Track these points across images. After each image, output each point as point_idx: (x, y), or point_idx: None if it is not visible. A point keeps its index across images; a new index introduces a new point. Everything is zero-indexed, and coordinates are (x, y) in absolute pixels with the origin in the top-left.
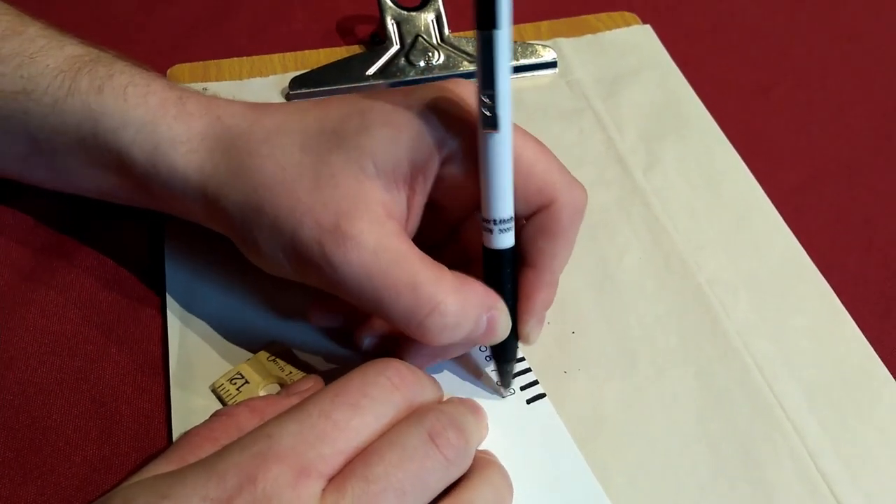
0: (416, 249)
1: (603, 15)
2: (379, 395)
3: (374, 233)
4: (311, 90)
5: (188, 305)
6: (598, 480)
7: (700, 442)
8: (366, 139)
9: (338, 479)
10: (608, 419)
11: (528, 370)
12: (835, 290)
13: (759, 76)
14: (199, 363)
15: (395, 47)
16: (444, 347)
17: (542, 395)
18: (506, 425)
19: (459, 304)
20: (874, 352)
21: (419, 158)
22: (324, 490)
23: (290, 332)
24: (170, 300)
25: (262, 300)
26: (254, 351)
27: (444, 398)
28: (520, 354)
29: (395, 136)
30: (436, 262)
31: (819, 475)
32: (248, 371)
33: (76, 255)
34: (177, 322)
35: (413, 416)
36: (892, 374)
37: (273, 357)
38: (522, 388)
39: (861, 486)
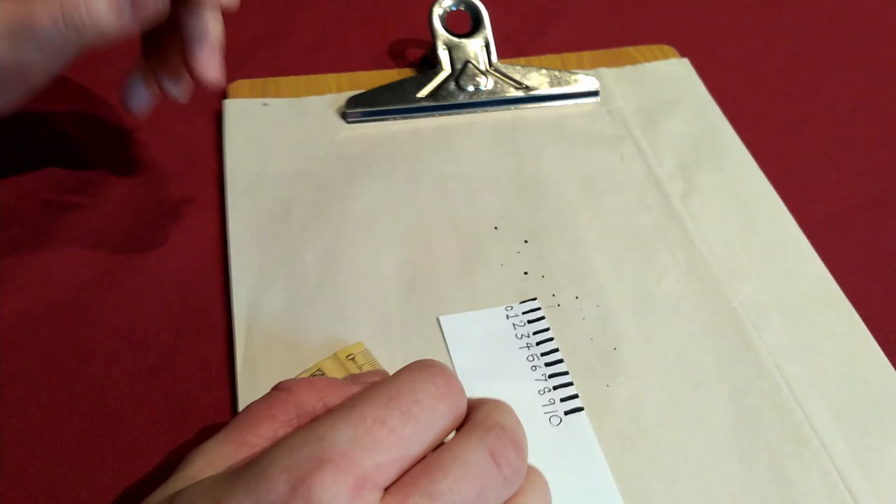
0: None
1: (643, 47)
2: (428, 402)
3: None
4: (366, 109)
5: (253, 305)
6: (636, 489)
7: (732, 455)
8: None
9: (397, 491)
10: (646, 431)
11: (570, 384)
12: (862, 317)
13: (792, 109)
14: (263, 361)
15: (446, 72)
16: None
17: (579, 409)
18: (541, 434)
19: None
20: None
21: None
22: (381, 501)
23: (354, 333)
24: (236, 299)
25: (326, 301)
26: (317, 350)
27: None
28: (563, 368)
29: None
30: None
31: (846, 490)
32: (328, 367)
33: (146, 257)
34: (243, 321)
35: (473, 430)
36: None
37: (352, 356)
38: (562, 400)
39: (885, 500)
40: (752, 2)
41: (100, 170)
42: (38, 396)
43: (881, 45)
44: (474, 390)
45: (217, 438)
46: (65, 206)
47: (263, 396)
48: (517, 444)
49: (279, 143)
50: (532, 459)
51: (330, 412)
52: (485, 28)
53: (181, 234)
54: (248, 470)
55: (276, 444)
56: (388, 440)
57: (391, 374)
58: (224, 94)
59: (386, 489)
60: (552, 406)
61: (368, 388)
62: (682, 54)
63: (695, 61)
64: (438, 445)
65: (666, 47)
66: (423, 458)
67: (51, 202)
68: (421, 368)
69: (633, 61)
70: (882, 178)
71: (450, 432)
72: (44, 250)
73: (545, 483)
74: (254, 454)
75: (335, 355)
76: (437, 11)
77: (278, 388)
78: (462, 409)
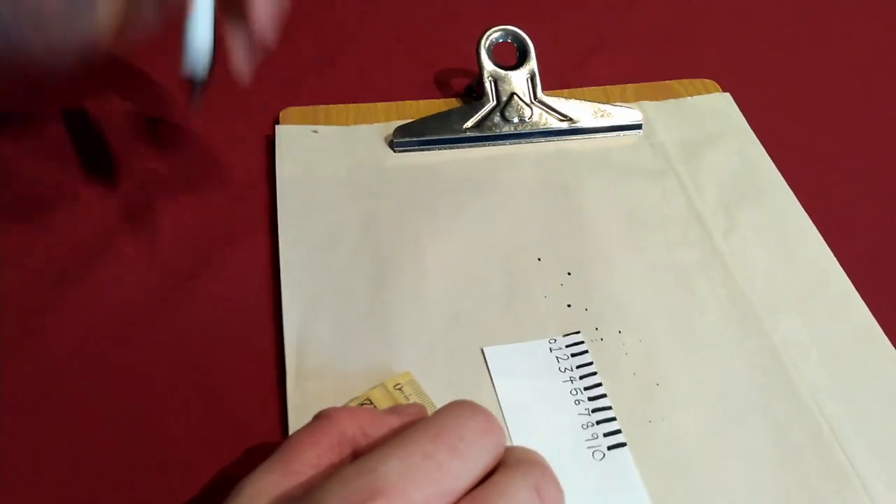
0: None
1: (685, 81)
2: (472, 439)
3: None
4: (413, 139)
5: (303, 330)
6: None
7: (773, 492)
8: None
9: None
10: (688, 468)
11: (613, 419)
12: None
13: (834, 145)
14: (313, 387)
15: (492, 103)
16: None
17: (622, 444)
18: (585, 468)
19: None
20: None
21: None
22: None
23: (400, 361)
24: (286, 324)
25: (374, 328)
26: (366, 376)
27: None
28: (606, 403)
29: None
30: None
31: None
32: (376, 396)
33: (199, 279)
34: (293, 346)
35: (517, 466)
36: None
37: (399, 385)
38: (605, 435)
39: None
40: (795, 37)
41: (154, 193)
42: (89, 416)
43: None
44: (518, 422)
45: (264, 468)
46: (120, 229)
47: (306, 425)
48: (557, 482)
49: (328, 170)
50: (576, 493)
51: (380, 447)
52: (531, 61)
53: (233, 258)
54: (303, 501)
55: (330, 478)
56: (435, 474)
57: (435, 404)
58: (276, 120)
59: None
60: (595, 441)
61: (416, 423)
62: (724, 89)
63: (737, 95)
64: (480, 481)
65: (708, 81)
66: (468, 492)
67: (106, 225)
68: (464, 406)
69: (675, 95)
70: None
71: (491, 468)
72: (99, 272)
73: None
74: (300, 482)
75: (383, 385)
76: (485, 43)
77: (320, 417)
78: (502, 446)
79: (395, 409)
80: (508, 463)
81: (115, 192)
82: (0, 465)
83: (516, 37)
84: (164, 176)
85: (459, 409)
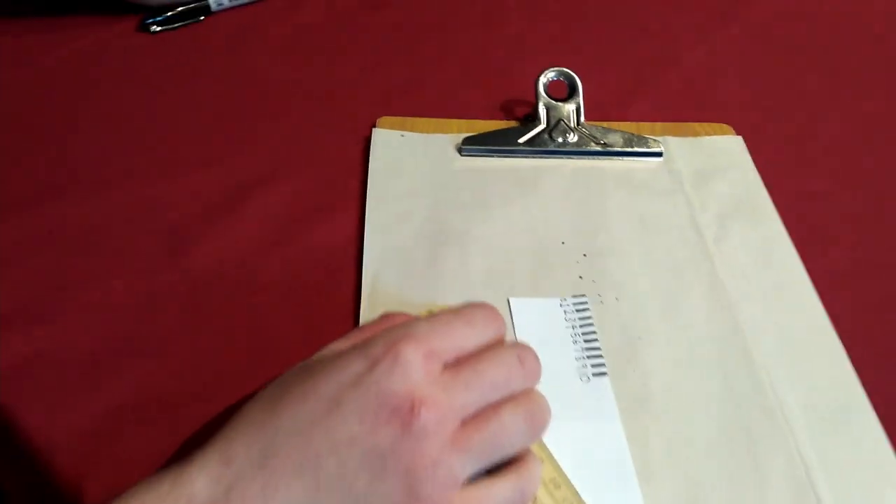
0: None
1: (705, 124)
2: (482, 321)
3: None
4: (477, 147)
5: (376, 279)
6: (639, 438)
7: (716, 424)
8: None
9: (453, 366)
10: (653, 398)
11: (600, 355)
12: (838, 332)
13: (823, 183)
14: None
15: (542, 126)
16: None
17: (604, 374)
18: (574, 387)
19: None
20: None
21: None
22: (441, 371)
23: (446, 303)
24: (364, 272)
25: (427, 284)
26: (419, 308)
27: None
28: (597, 346)
29: None
30: None
31: (801, 463)
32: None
33: (305, 238)
34: (367, 287)
35: (508, 343)
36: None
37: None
38: (592, 366)
39: (834, 473)
40: (803, 91)
41: (279, 170)
42: (219, 318)
43: None
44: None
45: (337, 340)
46: (247, 194)
47: (372, 320)
48: (535, 355)
49: (409, 165)
50: (566, 406)
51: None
52: (578, 96)
53: (332, 222)
54: (359, 344)
55: (380, 333)
56: (451, 334)
57: None
58: (373, 125)
59: (445, 366)
60: (584, 369)
61: (451, 308)
62: (738, 132)
63: (748, 138)
64: None
65: (724, 126)
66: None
67: (239, 185)
68: (478, 303)
69: (695, 134)
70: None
71: (493, 343)
72: (232, 223)
73: (546, 400)
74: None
75: (429, 310)
76: (542, 80)
77: (383, 316)
78: (503, 332)
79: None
80: (503, 341)
81: (246, 165)
82: (163, 353)
83: (568, 76)
84: (287, 157)
85: (477, 304)
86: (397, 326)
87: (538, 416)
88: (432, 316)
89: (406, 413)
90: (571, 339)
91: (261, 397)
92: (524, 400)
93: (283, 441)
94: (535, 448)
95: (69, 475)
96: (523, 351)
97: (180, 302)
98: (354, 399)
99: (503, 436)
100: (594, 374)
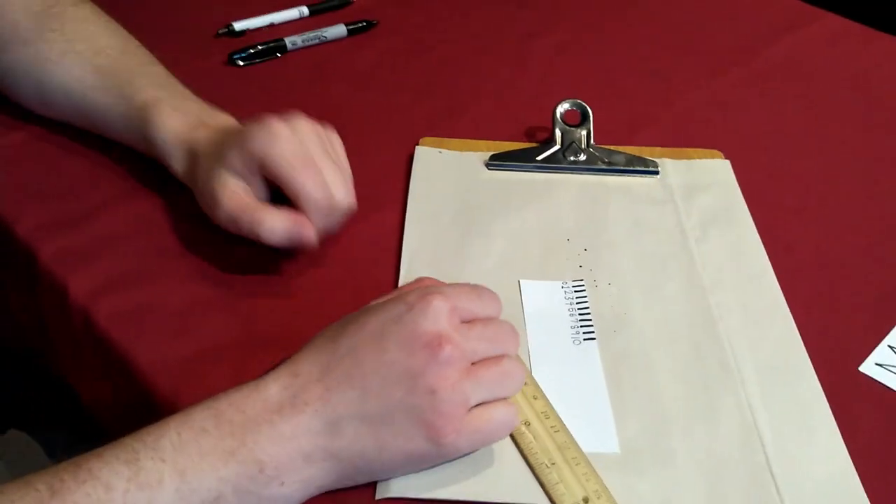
0: (252, 198)
1: (699, 149)
2: (489, 299)
3: (228, 197)
4: (502, 163)
5: (411, 266)
6: (620, 391)
7: (683, 381)
8: (226, 155)
9: (467, 322)
10: (633, 359)
11: (590, 323)
12: (798, 323)
13: (795, 200)
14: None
15: (557, 147)
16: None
17: (593, 339)
18: (568, 349)
19: (273, 221)
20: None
21: (246, 164)
22: (460, 323)
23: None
24: (403, 260)
25: (455, 271)
26: None
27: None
28: (589, 317)
29: (237, 154)
30: (265, 204)
31: (748, 408)
32: None
33: (358, 226)
34: (404, 273)
35: (504, 320)
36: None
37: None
38: (584, 332)
39: (776, 416)
40: (788, 128)
41: None
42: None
43: (875, 159)
44: (534, 321)
45: (379, 297)
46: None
47: (408, 283)
48: (516, 331)
49: (445, 175)
50: (561, 364)
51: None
52: (588, 122)
53: (379, 220)
54: (400, 294)
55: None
56: (469, 300)
57: None
58: (417, 143)
59: (462, 321)
60: (577, 334)
61: (466, 284)
62: (727, 157)
63: (735, 161)
64: None
65: (715, 151)
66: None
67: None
68: (484, 287)
69: (688, 157)
70: (866, 257)
71: (493, 316)
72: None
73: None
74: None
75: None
76: (559, 109)
77: (418, 279)
78: (500, 310)
79: None
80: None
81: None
82: (238, 310)
83: (580, 106)
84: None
85: (483, 286)
86: (429, 285)
87: (522, 371)
88: (455, 284)
89: (435, 346)
90: (569, 312)
91: (323, 333)
92: (515, 358)
93: (339, 361)
94: (532, 388)
95: (167, 394)
96: (513, 326)
97: (256, 269)
98: (395, 332)
99: (503, 378)
100: (585, 339)
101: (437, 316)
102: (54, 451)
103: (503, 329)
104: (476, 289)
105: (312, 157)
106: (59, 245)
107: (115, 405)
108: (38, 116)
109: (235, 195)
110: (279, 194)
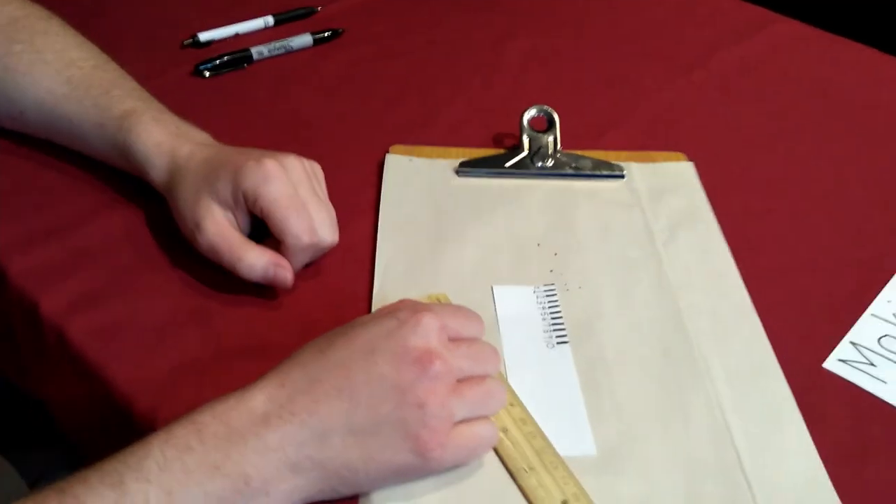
0: (236, 232)
1: (663, 152)
2: (472, 318)
3: (212, 225)
4: (472, 169)
5: (385, 273)
6: (594, 395)
7: (656, 381)
8: (216, 184)
9: (455, 340)
10: (604, 361)
11: (562, 327)
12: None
13: (757, 201)
14: (389, 298)
15: (526, 152)
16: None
17: (566, 342)
18: (541, 352)
19: (253, 258)
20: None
21: (235, 198)
22: (447, 341)
23: (442, 290)
24: (377, 270)
25: (427, 278)
26: (420, 296)
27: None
28: (561, 321)
29: (228, 188)
30: (246, 239)
31: (720, 410)
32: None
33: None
34: (378, 282)
35: (486, 341)
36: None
37: (438, 298)
38: (557, 336)
39: (744, 410)
40: (749, 128)
41: None
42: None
43: (840, 161)
44: (507, 325)
45: (365, 316)
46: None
47: (391, 304)
48: (499, 357)
49: (416, 183)
50: (535, 367)
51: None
52: (555, 128)
53: (352, 227)
54: (389, 311)
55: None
56: (456, 320)
57: None
58: (387, 151)
59: (449, 339)
60: (550, 339)
61: (444, 297)
62: (690, 158)
63: (698, 163)
64: None
65: (679, 154)
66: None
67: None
68: (469, 308)
69: (653, 160)
70: (829, 260)
71: (477, 336)
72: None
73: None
74: None
75: (429, 296)
76: (526, 115)
77: (398, 301)
78: (483, 331)
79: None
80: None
81: None
82: (214, 323)
83: (547, 112)
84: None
85: (467, 308)
86: (417, 303)
87: (503, 393)
88: (443, 304)
89: (425, 361)
90: (541, 316)
91: (310, 345)
92: (497, 379)
93: (328, 372)
94: (509, 395)
95: (145, 411)
96: (495, 348)
97: (230, 282)
98: (386, 347)
99: (486, 397)
100: (558, 343)
101: (428, 332)
102: (29, 472)
103: (486, 350)
104: (461, 309)
105: (302, 198)
106: (30, 260)
107: (92, 424)
108: (5, 130)
109: (220, 226)
110: (259, 221)
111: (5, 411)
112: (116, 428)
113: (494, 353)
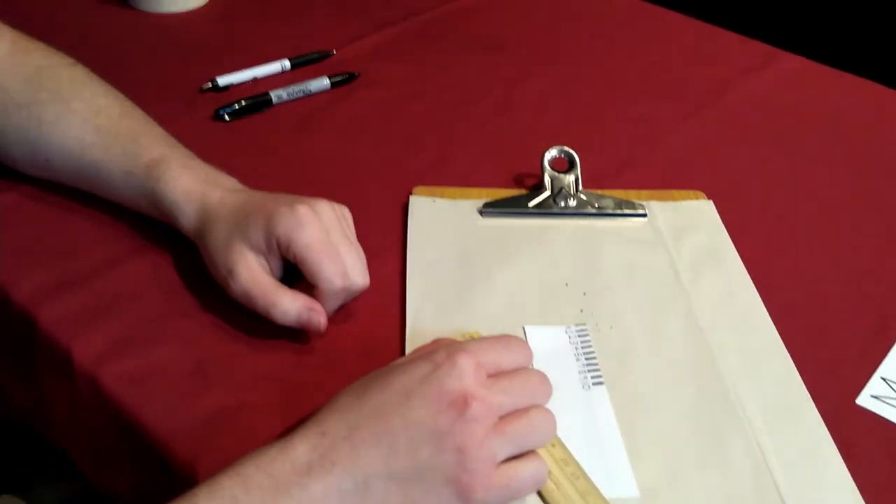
0: (269, 277)
1: (682, 191)
2: (515, 347)
3: (245, 271)
4: (496, 210)
5: (417, 314)
6: (632, 435)
7: (691, 422)
8: (248, 230)
9: (493, 376)
10: (641, 402)
11: (597, 369)
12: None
13: (778, 237)
14: (420, 340)
15: (548, 193)
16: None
17: (601, 383)
18: (577, 393)
19: (287, 304)
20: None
21: (269, 244)
22: (485, 378)
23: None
24: (408, 310)
25: (459, 318)
26: (454, 335)
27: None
28: (595, 362)
29: (262, 234)
30: (279, 284)
31: (758, 448)
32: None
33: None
34: (411, 322)
35: (532, 368)
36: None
37: (472, 336)
38: (592, 377)
39: (786, 454)
40: (765, 166)
41: None
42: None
43: (853, 197)
44: (541, 365)
45: (401, 358)
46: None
47: (426, 344)
48: (549, 381)
49: (440, 225)
50: (571, 410)
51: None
52: (576, 168)
53: (381, 267)
54: (424, 354)
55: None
56: (494, 354)
57: None
58: (411, 193)
59: (488, 375)
60: (585, 379)
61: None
62: (710, 197)
63: (717, 202)
64: None
65: (698, 192)
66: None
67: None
68: (515, 336)
69: (673, 199)
70: (849, 292)
71: (523, 365)
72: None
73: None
74: None
75: (463, 334)
76: (547, 156)
77: (436, 340)
78: (530, 358)
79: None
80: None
81: None
82: (249, 369)
83: (567, 153)
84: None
85: (512, 336)
86: (453, 343)
87: (551, 421)
88: (481, 338)
89: (461, 404)
90: (575, 357)
91: (348, 391)
92: (543, 409)
93: (366, 420)
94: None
95: (185, 458)
96: (543, 375)
97: (262, 326)
98: (422, 392)
99: (530, 430)
100: (593, 384)
101: (463, 373)
102: None
103: (531, 379)
104: (503, 340)
105: (334, 243)
106: (60, 309)
107: (128, 475)
108: (30, 177)
109: (253, 271)
110: (289, 265)
111: (16, 449)
112: (156, 477)
113: (542, 380)
